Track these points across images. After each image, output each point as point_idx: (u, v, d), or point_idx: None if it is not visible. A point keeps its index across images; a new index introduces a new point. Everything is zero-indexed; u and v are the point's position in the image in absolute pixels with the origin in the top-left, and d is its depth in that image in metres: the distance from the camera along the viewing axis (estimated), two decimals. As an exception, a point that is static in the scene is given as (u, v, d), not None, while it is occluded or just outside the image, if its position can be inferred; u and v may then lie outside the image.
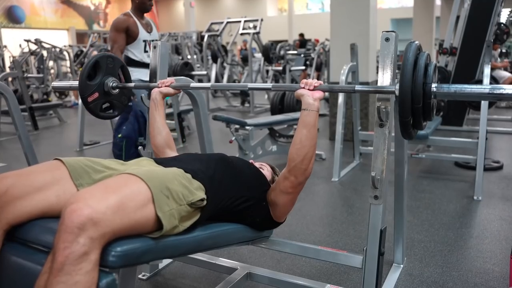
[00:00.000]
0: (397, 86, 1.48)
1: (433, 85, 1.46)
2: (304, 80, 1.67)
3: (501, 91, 1.39)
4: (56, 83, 2.30)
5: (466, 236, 2.81)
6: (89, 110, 2.07)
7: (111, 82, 2.06)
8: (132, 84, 2.12)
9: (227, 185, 1.59)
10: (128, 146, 3.61)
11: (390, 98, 1.62)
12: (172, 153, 1.95)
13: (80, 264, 1.07)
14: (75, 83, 2.08)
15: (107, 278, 1.13)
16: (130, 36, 3.85)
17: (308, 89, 1.64)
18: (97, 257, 1.11)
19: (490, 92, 1.40)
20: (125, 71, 2.16)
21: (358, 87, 1.65)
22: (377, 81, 1.68)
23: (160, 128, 1.97)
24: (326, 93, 1.82)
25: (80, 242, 1.07)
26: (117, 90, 2.09)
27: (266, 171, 1.91)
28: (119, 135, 3.72)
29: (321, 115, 7.51)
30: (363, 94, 5.29)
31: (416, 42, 1.55)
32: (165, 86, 1.97)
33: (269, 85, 1.83)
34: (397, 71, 1.63)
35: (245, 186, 1.67)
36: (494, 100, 1.52)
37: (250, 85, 1.88)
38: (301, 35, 16.26)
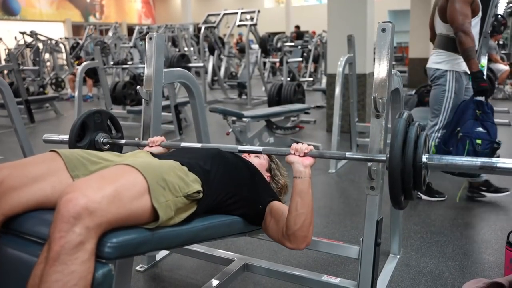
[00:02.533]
0: (388, 156, 1.43)
1: (424, 156, 1.42)
2: (294, 146, 1.63)
3: (492, 165, 1.34)
4: (47, 136, 2.25)
5: (462, 226, 2.82)
6: None
7: (102, 138, 2.01)
8: (123, 141, 2.06)
9: (223, 180, 1.58)
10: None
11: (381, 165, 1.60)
12: None
13: (76, 253, 1.07)
14: (66, 137, 2.04)
15: (103, 269, 1.13)
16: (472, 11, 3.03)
17: (299, 156, 1.60)
18: (93, 247, 1.11)
19: (482, 165, 1.36)
20: (115, 122, 2.12)
21: (348, 154, 1.61)
22: (373, 72, 1.68)
23: None
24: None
25: (76, 232, 1.07)
26: (108, 145, 2.04)
27: (262, 159, 1.91)
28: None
29: (318, 107, 7.52)
30: (361, 85, 5.28)
31: (405, 115, 1.48)
32: (155, 145, 1.91)
33: (259, 148, 1.76)
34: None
35: (240, 183, 1.65)
36: (485, 173, 1.48)
37: (240, 147, 1.81)
38: (297, 27, 16.20)
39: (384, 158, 1.50)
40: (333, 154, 1.77)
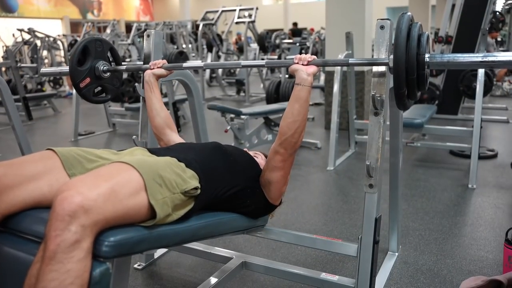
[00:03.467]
0: (391, 57, 1.48)
1: (427, 55, 1.46)
2: (298, 56, 1.66)
3: (493, 58, 1.38)
4: (45, 69, 2.25)
5: (461, 224, 2.82)
6: (82, 96, 2.05)
7: (102, 65, 2.03)
8: (123, 67, 2.09)
9: (221, 173, 1.59)
10: None
11: (386, 73, 1.61)
12: (172, 133, 1.96)
13: (72, 252, 1.06)
14: (65, 68, 2.05)
15: (100, 267, 1.12)
16: None
17: (302, 64, 1.63)
18: (90, 245, 1.10)
19: (483, 60, 1.40)
20: (115, 53, 2.13)
21: (352, 60, 1.63)
22: (372, 69, 1.67)
23: (158, 110, 1.96)
24: (321, 68, 1.81)
25: (72, 230, 1.06)
26: (109, 73, 2.06)
27: (260, 159, 1.91)
28: None
29: (316, 104, 7.51)
30: (359, 82, 5.28)
31: (409, 13, 1.53)
32: (157, 67, 1.95)
33: (262, 62, 1.81)
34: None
35: (239, 175, 1.66)
36: (487, 68, 1.54)
37: (244, 62, 1.86)
38: (295, 24, 16.18)
39: (387, 60, 1.53)
40: (336, 61, 1.77)
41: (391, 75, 1.51)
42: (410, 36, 1.45)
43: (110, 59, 2.13)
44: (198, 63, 1.96)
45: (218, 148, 1.71)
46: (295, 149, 1.65)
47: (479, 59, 1.41)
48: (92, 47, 2.00)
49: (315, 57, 1.65)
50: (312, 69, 1.62)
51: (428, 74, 1.53)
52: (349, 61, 1.64)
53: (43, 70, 2.26)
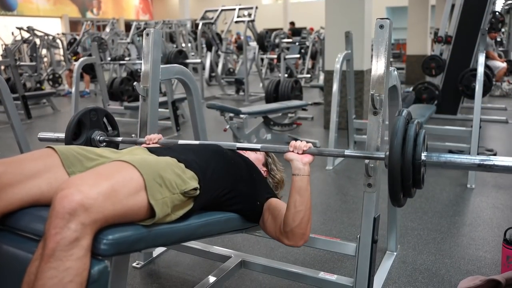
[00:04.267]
0: (387, 154, 1.43)
1: (423, 155, 1.42)
2: (293, 143, 1.62)
3: (491, 162, 1.33)
4: (42, 134, 2.23)
5: (459, 223, 2.82)
6: None
7: (98, 136, 2.00)
8: (119, 139, 2.05)
9: (221, 177, 1.58)
10: None
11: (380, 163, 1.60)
12: None
13: (71, 250, 1.06)
14: (62, 135, 2.03)
15: (99, 266, 1.12)
16: None
17: (297, 153, 1.60)
18: (89, 243, 1.10)
19: (480, 163, 1.35)
20: (110, 119, 2.11)
21: (347, 152, 1.60)
22: (371, 69, 1.67)
23: None
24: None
25: (71, 228, 1.06)
26: (105, 143, 2.03)
27: (259, 154, 1.91)
28: None
29: (316, 104, 7.51)
30: (358, 82, 5.28)
31: (405, 112, 1.48)
32: (153, 143, 1.91)
33: (258, 146, 1.76)
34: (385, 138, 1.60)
35: (238, 179, 1.65)
36: (484, 171, 1.47)
37: (239, 145, 1.81)
38: (292, 23, 16.18)
39: (383, 156, 1.50)
40: (332, 152, 1.76)
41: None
42: (406, 139, 1.40)
43: (107, 126, 2.10)
44: (193, 142, 1.87)
45: (218, 151, 1.70)
46: (304, 241, 1.57)
47: (477, 161, 1.36)
48: (87, 119, 1.98)
49: (310, 145, 1.62)
50: (308, 158, 1.60)
51: (424, 173, 1.48)
52: (345, 153, 1.60)
53: (41, 135, 2.23)
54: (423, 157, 1.42)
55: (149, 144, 1.91)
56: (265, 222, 1.67)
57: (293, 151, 1.61)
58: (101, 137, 2.02)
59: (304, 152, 1.60)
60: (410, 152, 1.39)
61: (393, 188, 1.42)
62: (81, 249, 1.07)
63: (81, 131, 1.98)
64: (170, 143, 1.92)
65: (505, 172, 1.33)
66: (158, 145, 1.90)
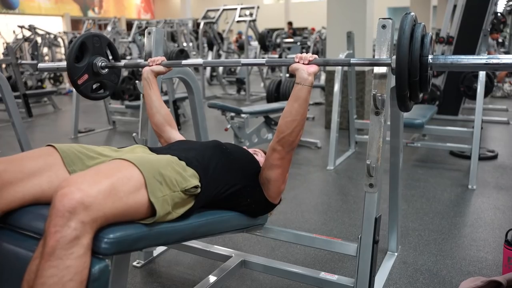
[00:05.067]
0: (394, 58, 1.47)
1: (430, 56, 1.45)
2: (299, 55, 1.64)
3: (497, 60, 1.37)
4: (42, 64, 2.23)
5: (460, 224, 2.82)
6: (80, 92, 2.03)
7: (100, 62, 2.01)
8: (121, 63, 2.06)
9: (222, 172, 1.58)
10: None
11: (387, 74, 1.61)
12: (172, 130, 1.94)
13: (71, 248, 1.06)
14: (63, 64, 2.03)
15: (99, 264, 1.12)
16: None
17: (303, 63, 1.62)
18: (89, 242, 1.10)
19: (487, 62, 1.38)
20: (113, 49, 2.11)
21: (353, 60, 1.62)
22: (372, 69, 1.67)
23: (157, 107, 1.95)
24: (322, 68, 1.80)
25: (71, 226, 1.06)
26: (107, 69, 2.04)
27: (260, 157, 1.91)
28: None
29: (316, 104, 7.51)
30: (359, 82, 5.28)
31: (412, 13, 1.51)
32: (156, 64, 1.93)
33: (263, 60, 1.81)
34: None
35: (239, 173, 1.66)
36: (490, 70, 1.51)
37: (244, 60, 1.85)
38: (290, 23, 16.20)
39: (390, 61, 1.52)
40: (338, 61, 1.76)
41: (393, 76, 1.51)
42: (413, 37, 1.44)
43: (109, 55, 2.11)
44: (197, 60, 1.93)
45: (218, 147, 1.70)
46: (292, 147, 1.64)
47: (483, 61, 1.40)
48: (90, 43, 1.98)
49: (316, 56, 1.64)
50: (313, 68, 1.61)
51: (431, 76, 1.52)
52: (351, 61, 1.63)
53: (41, 65, 2.23)
54: (429, 59, 1.44)
55: (152, 65, 1.93)
56: (264, 175, 1.71)
57: (298, 62, 1.63)
58: (103, 63, 2.02)
59: (310, 62, 1.62)
60: (418, 48, 1.42)
61: (400, 84, 1.45)
62: (81, 247, 1.07)
63: (83, 55, 1.98)
64: (173, 64, 1.95)
65: (510, 69, 1.38)
66: (161, 67, 1.93)
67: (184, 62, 1.95)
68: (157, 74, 1.96)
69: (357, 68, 4.88)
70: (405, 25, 1.44)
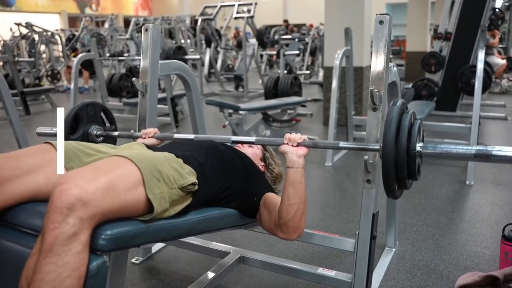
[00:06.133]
0: (381, 145, 1.42)
1: (418, 145, 1.39)
2: (287, 136, 1.61)
3: (488, 152, 1.31)
4: (41, 129, 2.22)
5: (458, 220, 2.83)
6: None
7: (95, 130, 1.99)
8: (116, 133, 2.04)
9: (218, 172, 1.58)
10: None
11: (376, 154, 1.59)
12: None
13: (69, 244, 1.06)
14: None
15: (97, 261, 1.12)
16: None
17: (292, 146, 1.58)
18: (87, 238, 1.10)
19: (477, 153, 1.32)
20: (108, 114, 2.10)
21: (342, 144, 1.59)
22: (370, 65, 1.67)
23: None
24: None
25: (69, 223, 1.06)
26: (102, 137, 2.02)
27: (256, 149, 1.90)
28: None
29: (315, 100, 7.50)
30: (357, 78, 5.27)
31: (399, 102, 1.46)
32: (149, 137, 1.90)
33: (252, 139, 1.74)
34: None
35: (235, 176, 1.65)
36: (480, 161, 1.44)
37: (234, 138, 1.80)
38: (285, 21, 16.24)
39: (378, 147, 1.49)
40: (327, 144, 1.75)
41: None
42: (400, 129, 1.38)
43: (104, 121, 2.09)
44: (189, 135, 1.86)
45: (214, 148, 1.69)
46: (298, 234, 1.57)
47: (473, 151, 1.33)
48: (83, 113, 1.96)
49: (305, 137, 1.61)
50: (302, 151, 1.58)
51: (420, 165, 1.46)
52: (339, 145, 1.59)
53: (39, 130, 2.22)
54: (418, 148, 1.39)
55: (145, 138, 1.91)
56: (261, 216, 1.67)
57: (287, 144, 1.60)
58: (98, 132, 2.00)
59: (299, 145, 1.59)
60: (404, 142, 1.37)
61: (387, 179, 1.40)
62: (79, 243, 1.07)
63: (78, 125, 1.97)
64: (165, 137, 1.92)
65: (502, 162, 1.31)
66: (154, 139, 1.90)
67: (176, 136, 1.88)
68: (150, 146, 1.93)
69: (355, 64, 4.87)
70: (391, 117, 1.38)
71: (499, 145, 1.31)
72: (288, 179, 1.56)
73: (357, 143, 1.60)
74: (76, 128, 1.97)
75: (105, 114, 2.10)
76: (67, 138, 1.92)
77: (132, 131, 2.20)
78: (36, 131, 2.21)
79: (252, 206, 1.69)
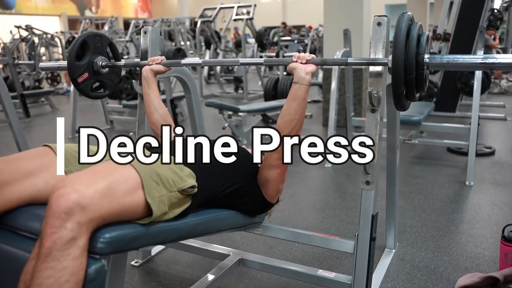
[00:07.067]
0: (390, 58, 1.47)
1: (426, 55, 1.45)
2: (297, 54, 1.65)
3: (493, 60, 1.37)
4: (44, 64, 2.25)
5: (458, 221, 2.82)
6: (79, 91, 2.03)
7: (100, 61, 2.01)
8: (122, 62, 2.07)
9: (219, 172, 1.58)
10: None
11: (383, 72, 1.61)
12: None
13: (68, 249, 1.06)
14: (64, 63, 2.04)
15: (96, 264, 1.12)
16: None
17: (301, 63, 1.62)
18: (86, 243, 1.10)
19: (483, 61, 1.38)
20: (114, 49, 2.12)
21: (350, 60, 1.63)
22: (369, 66, 1.67)
23: (156, 106, 1.95)
24: (319, 66, 1.81)
25: (68, 227, 1.06)
26: (107, 69, 2.04)
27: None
28: None
29: (314, 101, 7.51)
30: (357, 79, 5.28)
31: (409, 12, 1.52)
32: (156, 63, 1.94)
33: (261, 60, 1.83)
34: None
35: (236, 173, 1.65)
36: (487, 69, 1.53)
37: (242, 60, 1.87)
38: (283, 23, 16.31)
39: (386, 61, 1.53)
40: (336, 61, 1.76)
41: (389, 74, 1.51)
42: (410, 35, 1.44)
43: (109, 55, 2.11)
44: (196, 60, 1.94)
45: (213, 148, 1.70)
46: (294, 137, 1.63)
47: (479, 60, 1.40)
48: (91, 42, 1.98)
49: (314, 56, 1.64)
50: (311, 67, 1.61)
51: (427, 75, 1.52)
52: (348, 61, 1.63)
53: (42, 64, 2.25)
54: (426, 59, 1.44)
55: (151, 64, 1.94)
56: (262, 175, 1.70)
57: (296, 61, 1.63)
58: (103, 62, 2.02)
59: (307, 62, 1.62)
60: (414, 47, 1.42)
61: (396, 80, 1.45)
62: (77, 248, 1.07)
63: (84, 53, 1.99)
64: (172, 63, 1.96)
65: (507, 68, 1.38)
66: (161, 66, 1.93)
67: (183, 61, 1.95)
68: (156, 73, 1.96)
69: (354, 66, 4.88)
70: (401, 23, 1.44)
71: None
72: (292, 94, 1.60)
73: (365, 58, 1.65)
74: (82, 56, 1.98)
75: (111, 48, 2.11)
76: (73, 63, 1.94)
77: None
78: (40, 65, 2.27)
79: (255, 195, 1.72)
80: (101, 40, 2.04)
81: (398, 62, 1.43)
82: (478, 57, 1.41)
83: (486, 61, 1.39)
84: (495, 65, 1.39)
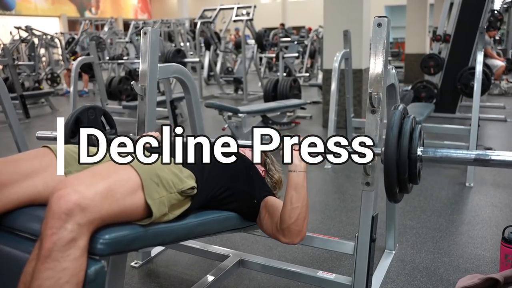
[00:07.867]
0: (383, 149, 1.44)
1: (419, 150, 1.42)
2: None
3: (487, 157, 1.33)
4: (40, 133, 2.23)
5: (458, 222, 2.82)
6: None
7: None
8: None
9: (217, 175, 1.57)
10: None
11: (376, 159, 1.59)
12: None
13: (68, 250, 1.05)
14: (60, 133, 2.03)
15: (95, 266, 1.12)
16: None
17: (294, 149, 1.56)
18: (86, 244, 1.10)
19: (477, 158, 1.35)
20: (108, 118, 2.10)
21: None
22: (369, 68, 1.67)
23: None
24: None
25: (68, 228, 1.06)
26: None
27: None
28: None
29: (314, 102, 7.51)
30: (357, 81, 5.28)
31: (400, 107, 1.48)
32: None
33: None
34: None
35: (235, 178, 1.64)
36: (480, 166, 1.47)
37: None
38: (282, 24, 16.33)
39: (380, 151, 1.50)
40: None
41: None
42: (402, 133, 1.41)
43: (104, 124, 2.10)
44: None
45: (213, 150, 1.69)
46: (300, 238, 1.56)
47: (473, 156, 1.36)
48: (84, 117, 1.97)
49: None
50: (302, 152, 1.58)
51: (420, 169, 1.48)
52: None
53: (39, 134, 2.23)
54: (419, 152, 1.41)
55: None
56: (262, 220, 1.66)
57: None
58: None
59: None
60: (406, 146, 1.39)
61: (388, 182, 1.42)
62: (77, 249, 1.07)
63: (78, 129, 1.97)
64: None
65: (501, 166, 1.34)
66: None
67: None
68: None
69: (354, 67, 4.88)
70: (393, 122, 1.41)
71: (499, 147, 1.32)
72: (290, 183, 1.56)
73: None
74: (76, 131, 1.97)
75: (106, 118, 2.10)
76: (67, 141, 1.92)
77: (131, 134, 2.19)
78: (36, 134, 2.21)
79: (252, 208, 1.68)
80: (95, 112, 2.03)
81: (390, 164, 1.40)
82: (472, 153, 1.37)
83: (480, 158, 1.35)
84: (489, 162, 1.34)
